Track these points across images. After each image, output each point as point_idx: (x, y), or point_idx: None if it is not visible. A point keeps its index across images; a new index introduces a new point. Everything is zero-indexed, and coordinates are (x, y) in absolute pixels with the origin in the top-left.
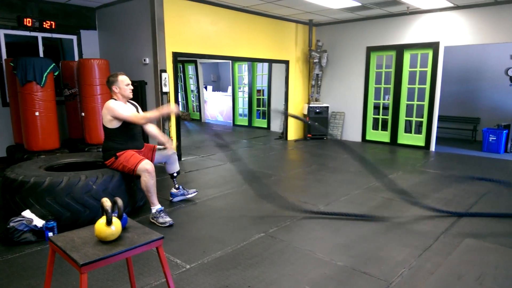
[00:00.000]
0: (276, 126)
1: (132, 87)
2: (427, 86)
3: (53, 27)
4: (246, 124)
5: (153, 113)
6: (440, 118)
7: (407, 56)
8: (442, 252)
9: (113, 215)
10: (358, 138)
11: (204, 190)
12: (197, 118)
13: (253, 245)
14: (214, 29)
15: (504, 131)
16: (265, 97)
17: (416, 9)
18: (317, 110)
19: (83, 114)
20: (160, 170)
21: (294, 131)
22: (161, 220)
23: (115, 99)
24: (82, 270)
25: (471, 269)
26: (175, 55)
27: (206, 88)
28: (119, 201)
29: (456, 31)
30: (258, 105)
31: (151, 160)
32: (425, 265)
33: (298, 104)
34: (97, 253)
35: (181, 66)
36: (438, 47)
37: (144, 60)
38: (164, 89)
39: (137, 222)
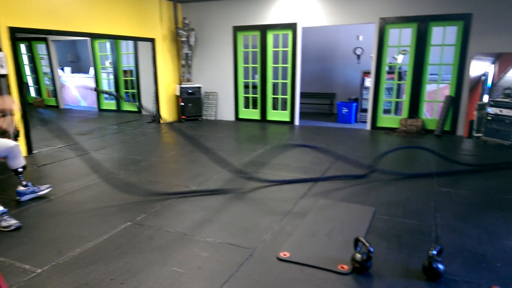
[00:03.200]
0: (146, 110)
1: None
2: (289, 65)
3: None
4: (115, 108)
5: None
6: (302, 95)
7: (270, 37)
8: (300, 215)
9: None
10: (232, 117)
11: (61, 184)
12: (54, 104)
13: (117, 236)
14: (63, 0)
15: (354, 104)
16: (134, 78)
17: None
18: (190, 91)
19: None
20: (3, 166)
21: (167, 113)
22: (4, 223)
23: None
24: None
25: (323, 225)
26: (13, 30)
27: (63, 69)
28: None
29: (311, 13)
30: (127, 88)
31: None
32: (285, 228)
33: (169, 85)
34: None
35: (28, 44)
36: (296, 28)
37: None
38: (1, 71)
39: None
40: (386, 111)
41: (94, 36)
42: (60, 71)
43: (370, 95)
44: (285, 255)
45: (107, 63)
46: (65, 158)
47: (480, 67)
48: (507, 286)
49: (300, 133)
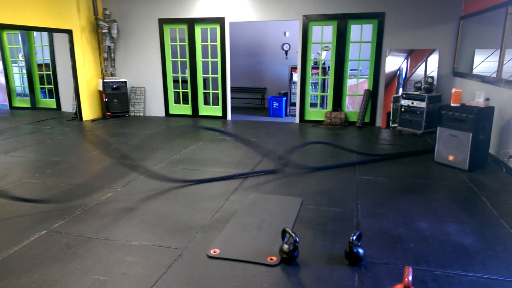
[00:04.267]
0: (68, 106)
1: None
2: (219, 60)
3: None
4: (29, 105)
5: None
6: (234, 90)
7: (198, 30)
8: (231, 209)
9: None
10: (162, 113)
11: None
12: None
13: (30, 247)
14: None
15: (284, 98)
16: (50, 72)
17: None
18: (114, 86)
19: None
20: None
21: (90, 110)
22: None
23: None
24: None
25: (254, 219)
26: None
27: None
28: None
29: (239, 8)
30: (42, 83)
31: None
32: (216, 225)
33: (91, 80)
34: None
35: None
36: (224, 22)
37: None
38: None
39: None
40: (313, 105)
41: (2, 27)
42: None
43: (297, 90)
44: (215, 252)
45: (20, 56)
46: None
47: (395, 62)
48: (419, 264)
49: (232, 127)
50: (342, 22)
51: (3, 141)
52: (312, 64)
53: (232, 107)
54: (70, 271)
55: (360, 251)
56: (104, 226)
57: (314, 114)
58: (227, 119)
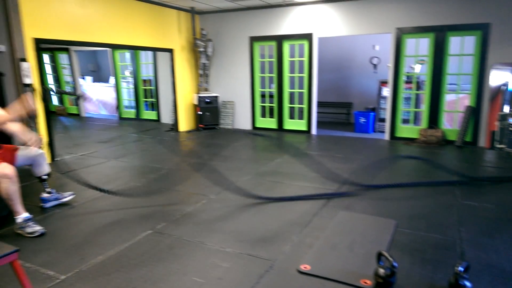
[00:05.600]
0: (167, 117)
1: None
2: (306, 75)
3: None
4: (134, 116)
5: (10, 114)
6: (319, 104)
7: (286, 47)
8: (320, 226)
9: None
10: (248, 126)
11: (84, 191)
12: (75, 112)
13: (138, 244)
14: (84, 12)
15: (371, 113)
16: (153, 87)
17: (291, 1)
18: (207, 100)
19: None
20: (29, 173)
21: (186, 122)
22: (29, 230)
23: None
24: None
25: (344, 238)
26: (37, 41)
27: (84, 79)
28: None
29: (327, 23)
30: (146, 96)
31: (13, 163)
32: (305, 240)
33: (187, 94)
34: None
35: (50, 54)
36: (312, 38)
37: None
38: (26, 81)
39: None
40: (405, 121)
41: (115, 47)
42: (81, 80)
43: (388, 105)
44: (305, 267)
45: (127, 73)
46: (87, 166)
47: (500, 76)
48: None
49: (317, 142)
50: (440, 34)
51: (113, 148)
52: (405, 78)
53: (316, 122)
54: (171, 270)
55: (468, 284)
56: (200, 231)
57: (406, 131)
58: (312, 133)
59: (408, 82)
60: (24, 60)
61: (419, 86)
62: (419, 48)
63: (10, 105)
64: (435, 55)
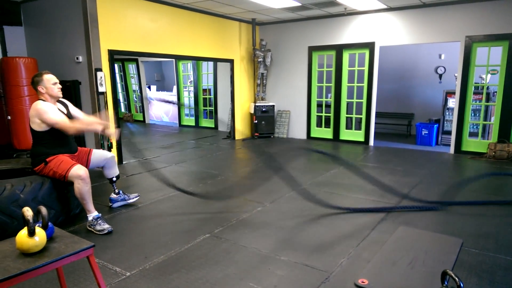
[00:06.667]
0: (223, 126)
1: (60, 86)
2: (365, 84)
3: None
4: (193, 124)
5: (86, 125)
6: (378, 115)
7: (346, 56)
8: (378, 241)
9: (37, 225)
10: (303, 135)
11: (147, 193)
12: (140, 119)
13: (197, 247)
14: (153, 26)
15: (435, 125)
16: (212, 96)
17: (353, 10)
18: (264, 109)
19: (9, 117)
20: (99, 174)
21: (241, 130)
22: (98, 227)
23: (43, 100)
24: (1, 286)
25: (404, 254)
26: (111, 52)
27: (149, 87)
28: (43, 210)
29: (390, 32)
30: (205, 105)
31: (87, 165)
32: (362, 254)
33: (244, 103)
34: (19, 267)
35: (120, 64)
36: (374, 47)
37: (77, 58)
38: (100, 89)
39: (73, 231)
40: (472, 134)
41: (180, 58)
42: (147, 89)
43: (454, 117)
44: (363, 282)
45: (189, 82)
46: (150, 169)
47: None
48: None
49: (375, 153)
50: None
51: (174, 153)
52: (474, 89)
53: (374, 133)
54: (228, 274)
55: None
56: (256, 238)
57: (474, 144)
58: (369, 144)
59: (477, 93)
60: (100, 70)
61: (489, 98)
62: (491, 57)
63: (85, 111)
64: (508, 65)
